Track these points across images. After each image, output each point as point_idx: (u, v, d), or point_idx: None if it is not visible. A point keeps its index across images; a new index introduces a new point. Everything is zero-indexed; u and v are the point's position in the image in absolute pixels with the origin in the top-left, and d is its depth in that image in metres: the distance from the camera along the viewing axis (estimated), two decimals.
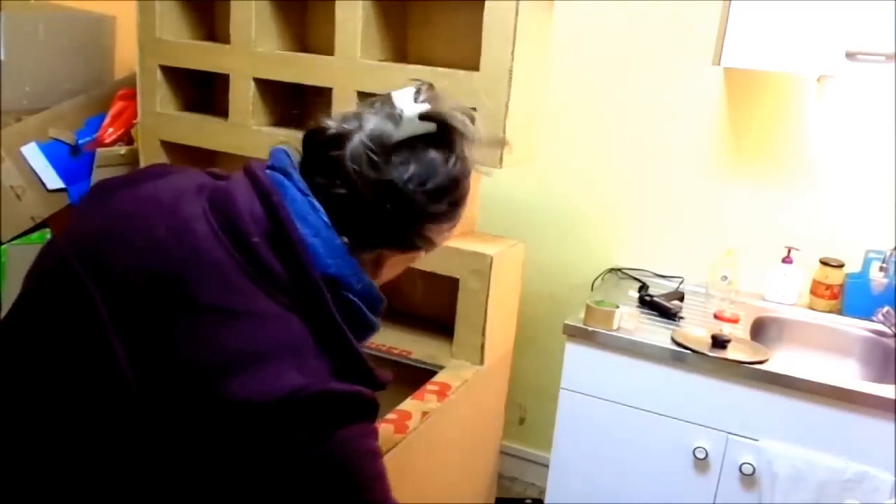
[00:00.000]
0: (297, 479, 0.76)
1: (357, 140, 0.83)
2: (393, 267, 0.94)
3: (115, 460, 0.77)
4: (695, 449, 1.69)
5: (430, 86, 0.88)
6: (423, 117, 0.84)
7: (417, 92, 0.86)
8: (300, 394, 0.74)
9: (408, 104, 0.84)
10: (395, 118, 0.84)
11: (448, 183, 0.86)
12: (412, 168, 0.83)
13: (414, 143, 0.84)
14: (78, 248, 0.82)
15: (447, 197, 0.87)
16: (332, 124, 0.85)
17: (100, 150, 2.10)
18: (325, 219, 0.82)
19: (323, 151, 0.85)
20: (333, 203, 0.83)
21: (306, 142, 0.87)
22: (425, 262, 1.60)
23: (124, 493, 0.78)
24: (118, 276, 0.79)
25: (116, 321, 0.76)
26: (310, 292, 0.79)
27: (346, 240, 0.83)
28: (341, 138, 0.83)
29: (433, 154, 0.85)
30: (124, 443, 0.76)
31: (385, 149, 0.82)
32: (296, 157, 0.87)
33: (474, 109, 1.47)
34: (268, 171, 0.85)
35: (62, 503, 0.79)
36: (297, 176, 0.84)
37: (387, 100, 0.86)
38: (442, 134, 0.85)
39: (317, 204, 0.82)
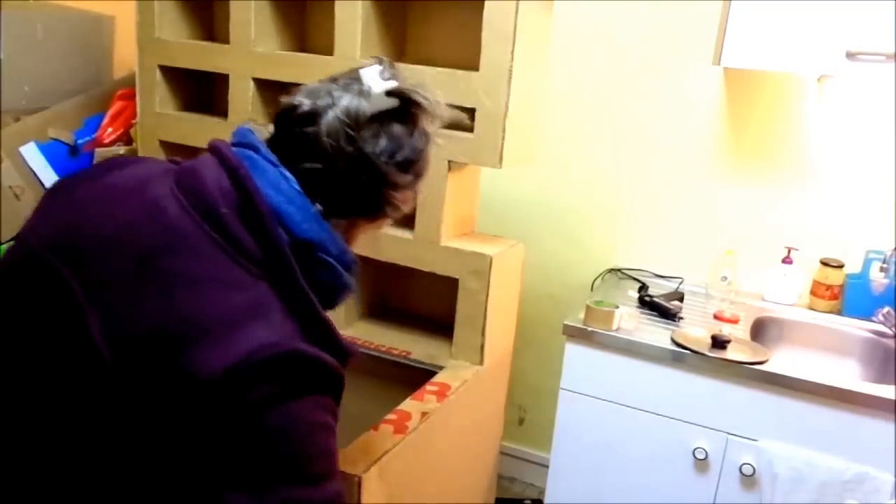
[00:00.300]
0: (247, 440, 0.77)
1: (332, 116, 0.87)
2: (363, 234, 0.98)
3: (97, 435, 0.79)
4: (695, 449, 1.69)
5: (392, 63, 0.94)
6: (390, 93, 0.89)
7: (382, 69, 0.91)
8: (270, 350, 0.77)
9: (375, 81, 0.90)
10: (365, 94, 0.88)
11: (414, 155, 0.92)
12: (382, 142, 0.89)
13: (381, 119, 0.89)
14: (47, 239, 0.83)
15: (413, 168, 0.93)
16: (304, 101, 0.89)
17: (99, 150, 2.10)
18: (297, 188, 0.86)
19: (296, 127, 0.88)
20: (305, 174, 0.87)
21: (279, 119, 0.91)
22: (425, 262, 1.61)
23: (107, 463, 0.80)
24: (91, 258, 0.81)
25: (92, 301, 0.78)
26: (278, 261, 0.82)
27: (319, 207, 0.87)
28: (315, 115, 0.87)
29: (398, 128, 0.90)
30: (104, 417, 0.78)
31: (359, 124, 0.87)
32: (262, 134, 0.91)
33: (473, 110, 1.48)
34: (234, 148, 0.88)
35: (47, 477, 0.82)
36: (265, 149, 0.88)
37: (354, 77, 0.91)
38: (405, 109, 0.90)
39: (288, 174, 0.86)
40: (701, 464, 1.70)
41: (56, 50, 2.28)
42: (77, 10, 2.39)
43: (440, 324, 1.71)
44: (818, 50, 1.63)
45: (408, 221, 1.62)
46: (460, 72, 1.48)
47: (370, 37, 1.59)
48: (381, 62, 0.92)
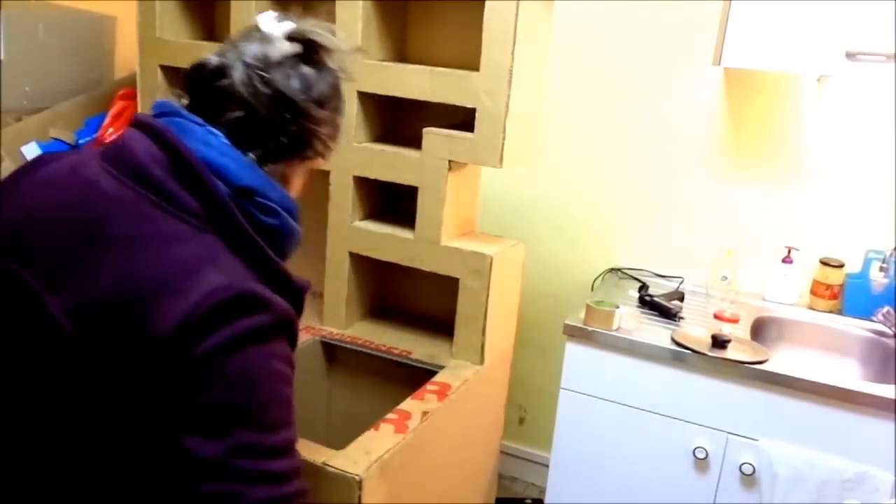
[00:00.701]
0: (205, 386, 0.78)
1: (242, 65, 0.90)
2: (298, 178, 1.00)
3: (78, 412, 0.82)
4: (695, 449, 1.69)
5: (287, 8, 0.97)
6: (291, 38, 0.92)
7: (278, 15, 0.94)
8: (224, 292, 0.79)
9: (273, 27, 0.93)
10: (268, 39, 0.92)
11: (328, 89, 0.95)
12: (294, 82, 0.91)
13: (289, 62, 0.91)
14: None
15: (330, 103, 0.96)
16: (212, 58, 0.92)
17: None
18: (227, 141, 0.89)
19: (210, 84, 0.90)
20: (231, 127, 0.89)
21: (190, 79, 0.93)
22: (426, 261, 1.61)
23: (88, 438, 0.83)
24: (37, 246, 0.84)
25: (47, 286, 0.81)
26: (219, 210, 0.84)
27: (252, 156, 0.90)
28: (224, 68, 0.90)
29: (306, 69, 0.93)
30: (82, 392, 0.81)
31: (269, 65, 0.90)
32: (180, 103, 0.93)
33: (474, 110, 1.48)
34: (157, 118, 0.90)
35: (30, 461, 0.85)
36: (187, 113, 0.90)
37: (253, 27, 0.94)
38: (309, 50, 0.93)
39: (215, 130, 0.89)
40: (701, 463, 1.70)
41: (57, 50, 2.28)
42: (78, 10, 2.40)
43: (441, 323, 1.71)
44: (818, 50, 1.63)
45: (408, 221, 1.62)
46: (461, 72, 1.49)
47: (371, 37, 1.60)
48: (277, 10, 0.96)
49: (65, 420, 0.84)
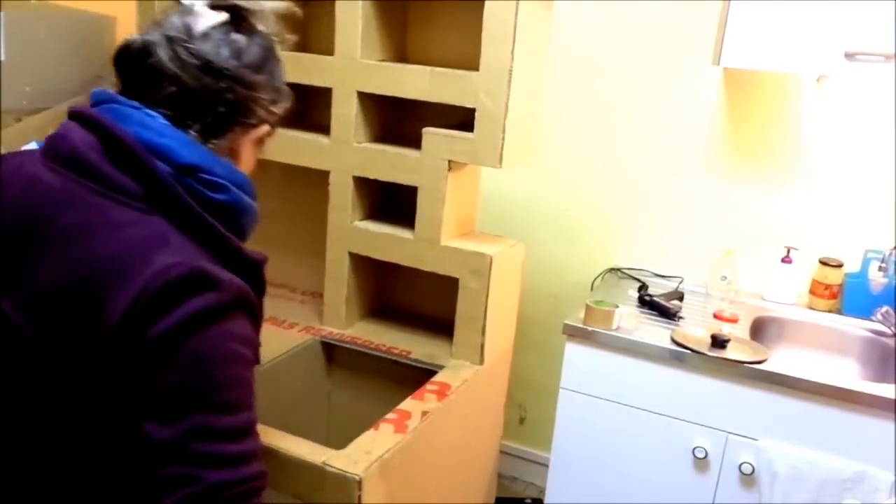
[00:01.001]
0: (161, 367, 0.78)
1: (165, 40, 0.88)
2: (247, 151, 0.98)
3: (43, 408, 0.83)
4: (694, 448, 1.70)
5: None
6: (214, 6, 0.91)
7: None
8: (173, 270, 0.78)
9: None
10: (190, 12, 0.91)
11: (261, 53, 0.94)
12: (224, 50, 0.90)
13: (215, 31, 0.90)
14: None
15: (265, 66, 0.94)
16: (136, 38, 0.91)
17: None
18: (165, 121, 0.88)
19: (138, 64, 0.90)
20: (167, 105, 0.88)
21: (118, 63, 0.93)
22: (426, 261, 1.61)
23: (54, 430, 0.84)
24: None
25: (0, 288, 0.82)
26: (163, 190, 0.84)
27: (193, 133, 0.89)
28: (149, 45, 0.89)
29: (236, 36, 0.92)
30: (43, 389, 0.82)
31: (193, 37, 0.89)
32: (116, 89, 0.93)
33: (474, 110, 1.48)
34: (95, 108, 0.90)
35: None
36: (123, 99, 0.89)
37: (177, 2, 0.94)
38: (236, 18, 0.92)
39: (152, 112, 0.88)
40: (700, 463, 1.70)
41: (57, 50, 2.28)
42: (78, 10, 2.40)
43: (440, 323, 1.71)
44: (817, 50, 1.63)
45: (408, 221, 1.62)
46: (460, 72, 1.49)
47: (370, 37, 1.60)
48: None
49: (32, 415, 0.84)
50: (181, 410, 0.78)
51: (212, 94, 0.89)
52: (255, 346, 0.87)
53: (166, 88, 0.88)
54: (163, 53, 0.88)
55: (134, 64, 0.90)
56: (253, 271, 0.90)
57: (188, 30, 0.89)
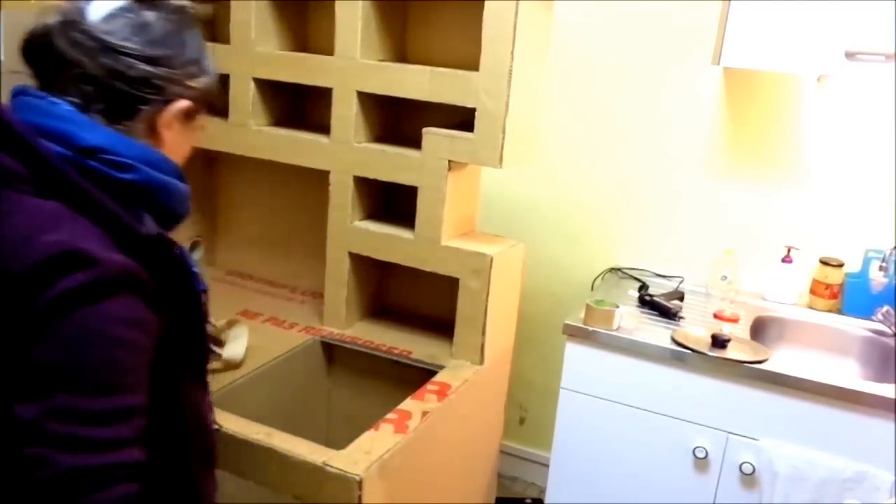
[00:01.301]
0: (27, 347, 0.77)
1: (62, 26, 0.88)
2: (173, 130, 0.96)
3: None
4: (695, 448, 1.69)
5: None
6: None
7: None
8: (48, 250, 0.78)
9: None
10: None
11: (169, 28, 0.92)
12: (126, 30, 0.89)
13: (118, 12, 0.90)
14: None
15: (173, 41, 0.93)
16: (35, 27, 0.91)
17: None
18: (69, 106, 0.87)
19: (40, 53, 0.90)
20: (73, 90, 0.88)
21: (24, 54, 0.93)
22: (426, 261, 1.61)
23: None
24: None
25: None
26: (52, 172, 0.83)
27: (98, 116, 0.88)
28: (47, 33, 0.89)
29: (142, 13, 0.91)
30: None
31: (93, 20, 0.88)
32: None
33: (474, 110, 1.48)
34: (7, 104, 0.90)
35: None
36: (32, 90, 0.90)
37: None
38: None
39: (56, 99, 0.88)
40: (701, 463, 1.70)
41: None
42: None
43: (441, 323, 1.71)
44: (817, 50, 1.63)
45: (408, 221, 1.62)
46: (461, 72, 1.49)
47: (370, 37, 1.60)
48: None
49: None
50: (45, 389, 0.76)
51: (113, 75, 0.88)
52: (147, 327, 0.84)
53: (69, 74, 0.88)
54: (60, 39, 0.88)
55: (37, 53, 0.91)
56: (154, 250, 0.87)
57: (82, 12, 0.89)
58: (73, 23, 0.88)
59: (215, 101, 1.01)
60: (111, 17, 0.89)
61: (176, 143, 0.97)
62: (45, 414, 0.76)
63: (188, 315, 0.94)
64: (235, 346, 1.51)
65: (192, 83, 0.95)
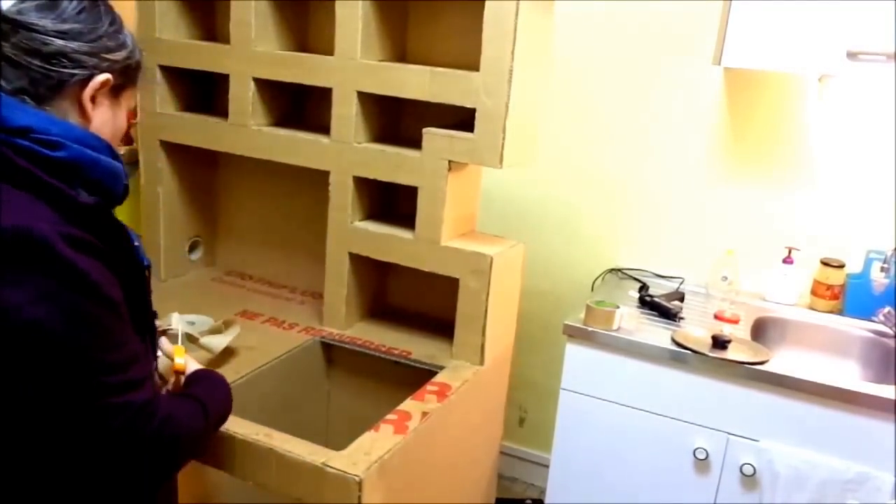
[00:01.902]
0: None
1: None
2: (101, 106, 0.98)
3: None
4: (695, 449, 1.69)
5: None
6: None
7: None
8: (9, 231, 0.82)
9: None
10: None
11: (79, 5, 0.94)
12: (35, 9, 0.91)
13: None
14: None
15: (87, 16, 0.94)
16: None
17: None
18: None
19: None
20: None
21: None
22: (426, 262, 1.61)
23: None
24: None
25: None
26: None
27: (24, 97, 0.91)
28: None
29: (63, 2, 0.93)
30: None
31: (1, 5, 0.90)
32: None
33: (474, 110, 1.48)
34: None
35: None
36: None
37: None
38: None
39: None
40: (701, 464, 1.70)
41: None
42: None
43: (440, 324, 1.71)
44: (819, 50, 1.63)
45: (408, 221, 1.62)
46: (461, 72, 1.48)
47: (370, 37, 1.59)
48: None
49: None
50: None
51: (29, 52, 0.90)
52: (106, 286, 0.89)
53: None
54: None
55: None
56: (97, 218, 0.92)
57: None
58: None
59: (136, 74, 1.03)
60: (20, 0, 0.91)
61: (105, 119, 0.99)
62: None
63: (133, 286, 0.98)
64: (217, 339, 1.50)
65: (110, 56, 0.96)
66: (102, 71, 0.95)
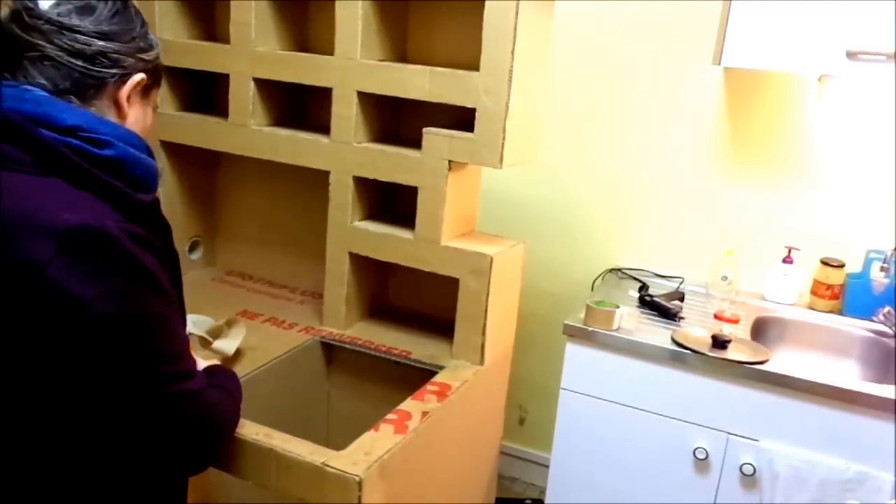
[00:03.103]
0: (82, 330, 0.86)
1: (15, 14, 0.93)
2: (134, 105, 1.02)
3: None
4: (695, 449, 1.69)
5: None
6: None
7: None
8: (81, 229, 0.85)
9: None
10: None
11: (115, 6, 0.98)
12: (73, 9, 0.94)
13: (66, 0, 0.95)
14: None
15: (121, 17, 0.98)
16: None
17: None
18: (42, 92, 0.93)
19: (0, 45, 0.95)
20: (40, 75, 0.93)
21: None
22: (426, 261, 1.61)
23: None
24: None
25: None
26: (51, 153, 0.89)
27: (70, 97, 0.94)
28: (3, 22, 0.94)
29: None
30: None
31: (40, 6, 0.93)
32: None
33: (474, 110, 1.48)
34: None
35: None
36: (2, 82, 0.94)
37: None
38: None
39: (28, 87, 0.93)
40: (701, 464, 1.70)
41: None
42: None
43: (440, 324, 1.71)
44: (818, 50, 1.63)
45: (408, 221, 1.62)
46: (461, 72, 1.48)
47: (370, 37, 1.59)
48: None
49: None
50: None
51: (72, 53, 0.93)
52: (154, 273, 0.93)
53: (31, 60, 0.93)
54: (16, 27, 0.92)
55: None
56: (151, 214, 0.97)
57: (32, 1, 0.93)
58: (25, 10, 0.93)
59: (161, 74, 1.09)
60: (58, 3, 0.94)
61: (137, 117, 1.03)
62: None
63: (176, 280, 1.03)
64: (229, 341, 1.50)
65: (144, 56, 1.01)
66: (138, 71, 1.00)
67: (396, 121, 1.75)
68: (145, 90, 1.03)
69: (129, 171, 0.96)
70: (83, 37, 0.93)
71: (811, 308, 1.94)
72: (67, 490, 0.96)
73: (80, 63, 0.94)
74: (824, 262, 1.92)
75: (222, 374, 1.18)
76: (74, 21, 0.93)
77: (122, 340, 0.89)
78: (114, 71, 0.97)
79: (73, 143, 0.91)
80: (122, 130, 0.97)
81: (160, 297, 0.93)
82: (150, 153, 1.01)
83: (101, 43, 0.95)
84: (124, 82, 0.98)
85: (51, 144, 0.89)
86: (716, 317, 1.87)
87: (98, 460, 0.97)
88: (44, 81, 0.93)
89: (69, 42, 0.93)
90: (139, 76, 1.00)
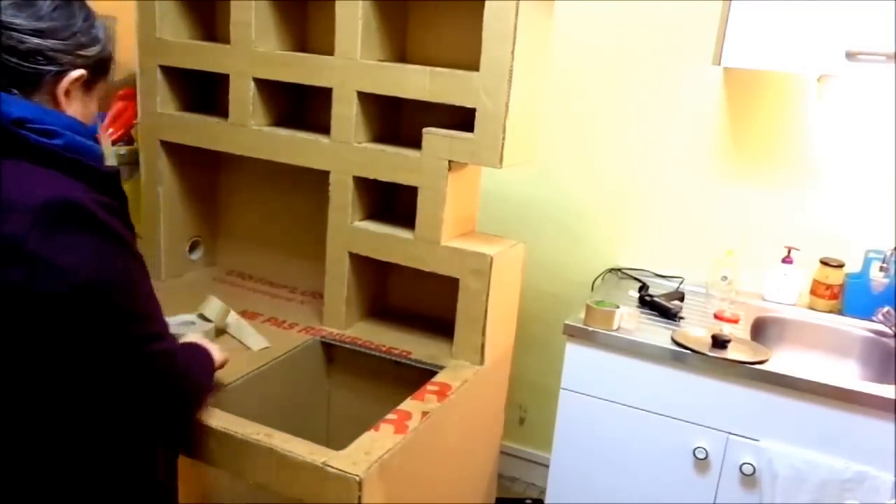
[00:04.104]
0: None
1: None
2: (75, 99, 1.02)
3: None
4: (695, 449, 1.69)
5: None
6: None
7: None
8: (57, 201, 0.88)
9: None
10: None
11: (54, 3, 0.97)
12: (12, 8, 0.94)
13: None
14: None
15: (60, 14, 0.98)
16: None
17: None
18: None
19: None
20: None
21: None
22: (426, 261, 1.61)
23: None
24: None
25: None
26: (7, 134, 0.91)
27: (14, 90, 0.95)
28: None
29: None
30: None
31: None
32: None
33: (474, 110, 1.48)
34: None
35: None
36: None
37: None
38: None
39: None
40: (701, 463, 1.70)
41: None
42: None
43: (440, 324, 1.71)
44: (818, 50, 1.63)
45: (408, 221, 1.62)
46: (461, 72, 1.48)
47: (370, 37, 1.59)
48: None
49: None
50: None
51: (6, 50, 0.93)
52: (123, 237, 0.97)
53: None
54: None
55: None
56: (114, 184, 1.00)
57: None
58: None
59: (109, 65, 1.08)
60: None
61: (76, 110, 1.03)
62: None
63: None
64: (255, 335, 1.62)
65: (84, 52, 1.01)
66: (77, 67, 1.00)
67: (396, 121, 1.75)
68: (87, 84, 1.03)
69: (80, 159, 0.97)
70: (17, 34, 0.93)
71: (811, 308, 1.95)
72: (55, 467, 0.98)
73: (14, 60, 0.94)
74: (824, 262, 1.92)
75: (191, 345, 1.25)
76: (8, 17, 0.93)
77: (106, 304, 0.92)
78: (49, 68, 0.97)
79: (24, 134, 0.92)
80: (67, 119, 0.99)
81: (136, 260, 0.98)
82: (94, 139, 1.03)
83: (35, 41, 0.95)
84: (62, 78, 0.98)
85: (8, 128, 0.91)
86: (716, 317, 1.87)
87: (84, 436, 0.99)
88: None
89: (5, 39, 0.93)
90: (77, 73, 0.99)
